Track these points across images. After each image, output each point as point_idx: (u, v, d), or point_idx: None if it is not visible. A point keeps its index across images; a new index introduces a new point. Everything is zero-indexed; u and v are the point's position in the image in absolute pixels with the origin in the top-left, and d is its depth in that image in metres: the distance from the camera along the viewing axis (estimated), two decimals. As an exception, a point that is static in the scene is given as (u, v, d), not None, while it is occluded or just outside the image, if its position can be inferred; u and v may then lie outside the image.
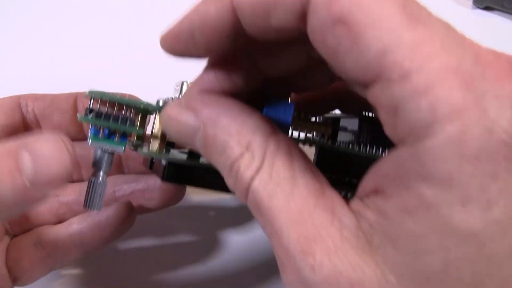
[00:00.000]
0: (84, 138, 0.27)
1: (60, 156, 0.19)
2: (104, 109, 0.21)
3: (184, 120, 0.18)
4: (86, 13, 0.45)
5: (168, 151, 0.23)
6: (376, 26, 0.14)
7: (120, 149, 0.22)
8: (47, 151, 0.19)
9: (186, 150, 0.24)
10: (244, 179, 0.17)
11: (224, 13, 0.16)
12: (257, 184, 0.16)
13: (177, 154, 0.24)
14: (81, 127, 0.28)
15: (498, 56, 0.14)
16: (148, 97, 0.27)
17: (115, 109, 0.22)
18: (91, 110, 0.22)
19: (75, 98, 0.28)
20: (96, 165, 0.23)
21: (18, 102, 0.27)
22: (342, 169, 0.23)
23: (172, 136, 0.19)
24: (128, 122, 0.22)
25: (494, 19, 0.45)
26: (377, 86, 0.14)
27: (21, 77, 0.40)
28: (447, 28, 0.14)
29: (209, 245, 0.30)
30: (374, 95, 0.14)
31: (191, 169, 0.22)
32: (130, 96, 0.28)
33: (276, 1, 0.15)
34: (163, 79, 0.37)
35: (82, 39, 0.42)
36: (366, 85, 0.15)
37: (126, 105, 0.22)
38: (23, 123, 0.27)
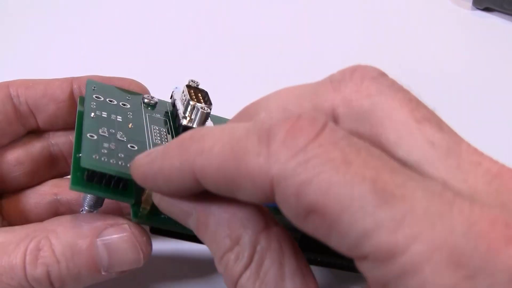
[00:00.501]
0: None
1: (134, 253, 0.20)
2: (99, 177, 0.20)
3: (177, 203, 0.18)
4: (84, 16, 0.45)
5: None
6: (349, 212, 0.13)
7: None
8: (122, 248, 0.20)
9: None
10: (232, 273, 0.17)
11: (187, 179, 0.16)
12: (244, 281, 0.16)
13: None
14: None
15: (494, 220, 0.13)
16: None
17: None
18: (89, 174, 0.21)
19: (70, 84, 0.26)
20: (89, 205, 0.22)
21: (8, 92, 0.25)
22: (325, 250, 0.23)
23: (164, 212, 0.19)
24: (120, 185, 0.20)
25: (493, 20, 0.45)
26: (364, 263, 0.14)
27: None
28: (430, 193, 0.13)
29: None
30: (362, 269, 0.14)
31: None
32: (129, 80, 0.27)
33: (238, 185, 0.15)
34: (161, 80, 0.37)
35: (82, 40, 0.42)
36: (355, 259, 0.14)
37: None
38: (16, 115, 0.25)
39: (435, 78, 0.40)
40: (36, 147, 0.25)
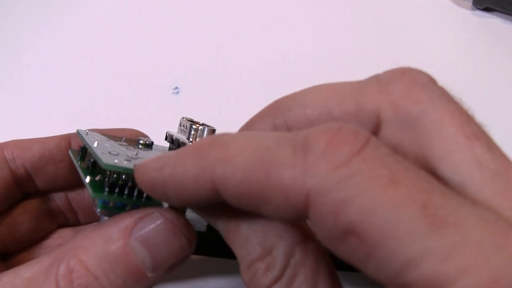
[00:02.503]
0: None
1: (175, 240, 0.18)
2: (117, 178, 0.19)
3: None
4: (84, 40, 0.45)
5: None
6: (395, 238, 0.12)
7: None
8: (160, 238, 0.17)
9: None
10: (259, 284, 0.15)
11: (203, 189, 0.15)
12: None
13: (195, 220, 0.22)
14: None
15: None
16: (155, 131, 0.26)
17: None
18: (93, 164, 0.20)
19: (68, 142, 0.25)
20: None
21: (3, 156, 0.23)
22: None
23: (195, 211, 0.18)
24: (145, 194, 0.18)
25: (494, 20, 0.44)
26: None
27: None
28: (484, 223, 0.12)
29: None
30: None
31: (211, 239, 0.20)
32: (130, 130, 0.26)
33: (266, 199, 0.13)
34: (166, 113, 0.37)
35: (81, 70, 0.41)
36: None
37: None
38: (13, 179, 0.23)
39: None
40: (33, 203, 0.24)
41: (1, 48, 0.42)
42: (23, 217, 0.24)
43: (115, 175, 0.18)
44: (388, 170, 0.13)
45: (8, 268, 0.22)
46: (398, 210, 0.12)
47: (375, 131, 0.16)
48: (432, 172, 0.15)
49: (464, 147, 0.15)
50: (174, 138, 0.23)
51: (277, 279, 0.15)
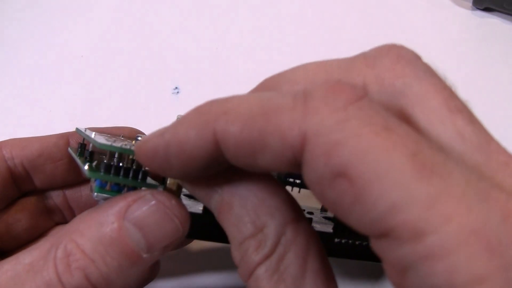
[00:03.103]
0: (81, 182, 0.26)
1: (168, 221, 0.18)
2: (113, 160, 0.19)
3: (204, 180, 0.17)
4: (84, 41, 0.45)
5: None
6: (383, 181, 0.12)
7: None
8: (153, 220, 0.18)
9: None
10: (250, 262, 0.16)
11: (205, 143, 0.15)
12: (262, 272, 0.15)
13: (191, 205, 0.22)
14: (79, 173, 0.25)
15: None
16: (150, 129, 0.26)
17: (124, 158, 0.19)
18: (91, 154, 0.20)
19: (67, 140, 0.25)
20: None
21: (1, 154, 0.23)
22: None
23: (187, 189, 0.18)
24: (140, 175, 0.19)
25: (494, 20, 0.44)
26: (384, 242, 0.13)
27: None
28: (468, 176, 0.13)
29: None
30: (380, 248, 0.13)
31: (207, 222, 0.20)
32: (128, 128, 0.26)
33: (264, 144, 0.14)
34: (166, 114, 0.37)
35: (81, 70, 0.41)
36: (371, 236, 0.13)
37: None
38: (11, 178, 0.23)
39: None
40: (31, 201, 0.24)
41: (1, 48, 0.42)
42: (21, 215, 0.24)
43: (112, 161, 0.19)
44: (383, 119, 0.13)
45: (6, 265, 0.22)
46: (389, 155, 0.12)
47: None
48: None
49: (447, 120, 0.15)
50: None
51: (267, 256, 0.15)
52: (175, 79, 0.40)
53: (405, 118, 0.16)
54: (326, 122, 0.13)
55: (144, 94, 0.39)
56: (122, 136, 0.24)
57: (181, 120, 0.16)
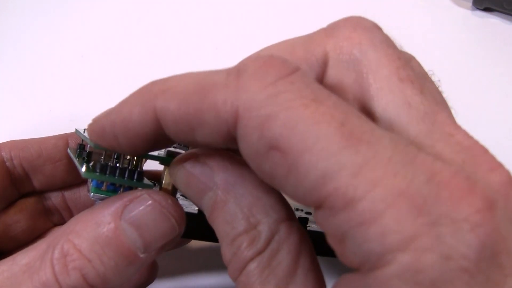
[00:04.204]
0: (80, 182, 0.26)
1: (164, 220, 0.18)
2: (110, 161, 0.19)
3: (197, 175, 0.17)
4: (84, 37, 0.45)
5: None
6: (313, 151, 0.12)
7: None
8: (149, 220, 0.18)
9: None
10: (242, 257, 0.16)
11: (147, 121, 0.15)
12: (253, 267, 0.15)
13: (187, 205, 0.22)
14: (78, 174, 0.24)
15: (456, 172, 0.13)
16: None
17: (120, 158, 0.19)
18: (88, 155, 0.20)
19: (66, 141, 0.25)
20: None
21: (0, 156, 0.23)
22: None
23: (180, 187, 0.18)
24: (136, 176, 0.19)
25: (494, 20, 0.45)
26: (321, 213, 0.13)
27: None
28: (395, 143, 0.13)
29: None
30: (319, 220, 0.13)
31: (203, 222, 0.20)
32: None
33: (200, 120, 0.14)
34: None
35: (81, 70, 0.41)
36: (312, 208, 0.13)
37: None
38: (10, 180, 0.23)
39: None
40: (29, 202, 0.24)
41: (1, 48, 0.42)
42: (19, 216, 0.24)
43: (109, 162, 0.19)
44: (312, 92, 0.13)
45: (4, 266, 0.22)
46: (317, 126, 0.13)
47: (323, 72, 0.17)
48: (367, 111, 0.16)
49: (396, 89, 0.15)
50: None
51: (260, 251, 0.16)
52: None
53: (358, 90, 0.16)
54: (257, 97, 0.13)
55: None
56: None
57: (124, 100, 0.16)
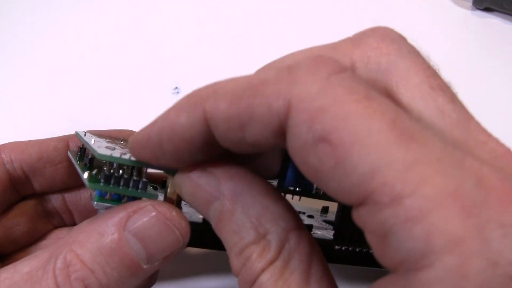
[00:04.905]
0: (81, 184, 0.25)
1: (168, 232, 0.18)
2: (113, 171, 0.19)
3: (203, 184, 0.17)
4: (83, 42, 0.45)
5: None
6: (363, 145, 0.12)
7: None
8: (153, 231, 0.18)
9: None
10: (253, 268, 0.15)
11: (195, 124, 0.15)
12: (266, 278, 0.15)
13: (192, 213, 0.22)
14: (78, 177, 0.24)
15: (503, 178, 0.13)
16: None
17: (125, 167, 0.19)
18: (91, 161, 0.20)
19: (66, 144, 0.24)
20: None
21: (0, 158, 0.23)
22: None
23: (186, 198, 0.18)
24: (140, 185, 0.19)
25: (494, 20, 0.45)
26: (364, 209, 0.13)
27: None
28: (444, 145, 0.13)
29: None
30: (361, 217, 0.13)
31: (207, 231, 0.20)
32: (128, 131, 0.26)
33: (251, 116, 0.14)
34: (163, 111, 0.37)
35: (81, 70, 0.41)
36: (351, 205, 0.13)
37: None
38: (10, 182, 0.23)
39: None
40: (29, 205, 0.24)
41: (1, 48, 0.42)
42: (19, 218, 0.24)
43: (112, 170, 0.19)
44: (364, 89, 0.13)
45: (4, 269, 0.22)
46: (370, 120, 0.13)
47: None
48: None
49: (428, 97, 0.15)
50: None
51: (272, 261, 0.15)
52: (175, 79, 0.40)
53: (388, 94, 0.16)
54: (310, 89, 0.13)
55: (144, 94, 0.39)
56: (122, 140, 0.24)
57: (172, 106, 0.16)
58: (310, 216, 0.26)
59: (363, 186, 0.12)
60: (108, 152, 0.18)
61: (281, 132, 0.14)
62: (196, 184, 0.17)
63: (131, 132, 0.26)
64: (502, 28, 0.44)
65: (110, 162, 0.18)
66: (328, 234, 0.24)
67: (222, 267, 0.28)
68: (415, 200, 0.12)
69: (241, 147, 0.15)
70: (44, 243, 0.24)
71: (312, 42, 0.44)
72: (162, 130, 0.16)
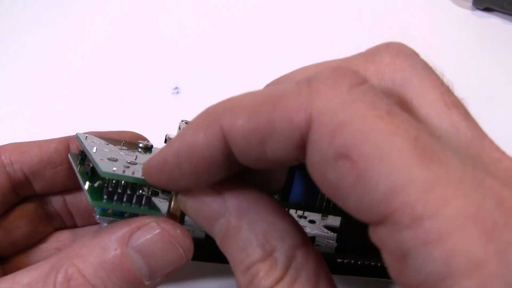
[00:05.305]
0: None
1: (172, 250, 0.18)
2: (116, 185, 0.18)
3: (208, 201, 0.17)
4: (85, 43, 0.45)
5: None
6: (385, 162, 0.12)
7: None
8: (157, 248, 0.18)
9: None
10: (260, 286, 0.15)
11: (214, 141, 0.15)
12: None
13: (194, 226, 0.22)
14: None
15: None
16: (154, 131, 0.26)
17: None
18: (93, 170, 0.20)
19: (67, 145, 0.24)
20: None
21: (0, 160, 0.23)
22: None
23: (190, 214, 0.18)
24: (144, 201, 0.18)
25: (494, 20, 0.44)
26: (383, 228, 0.12)
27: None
28: (464, 165, 0.13)
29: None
30: (379, 236, 0.13)
31: (209, 246, 0.20)
32: (129, 133, 0.26)
33: (272, 130, 0.14)
34: (166, 114, 0.37)
35: (81, 70, 0.41)
36: (369, 223, 0.13)
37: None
38: (10, 184, 0.23)
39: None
40: (30, 207, 0.24)
41: (1, 48, 0.42)
42: (20, 221, 0.23)
43: (113, 182, 0.18)
44: (386, 105, 0.13)
45: (5, 271, 0.22)
46: (392, 138, 0.12)
47: None
48: None
49: (443, 114, 0.15)
50: None
51: (279, 280, 0.15)
52: (175, 79, 0.40)
53: (404, 109, 0.16)
54: (331, 102, 0.13)
55: (144, 94, 0.39)
56: (123, 143, 0.24)
57: (187, 126, 0.16)
58: (312, 222, 0.26)
59: (384, 205, 0.12)
60: (111, 167, 0.18)
61: (302, 146, 0.14)
62: (200, 200, 0.17)
63: (132, 134, 0.26)
64: (502, 28, 0.44)
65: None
66: (330, 242, 0.24)
67: (220, 268, 0.28)
68: (436, 222, 0.12)
69: (260, 163, 0.15)
70: (44, 245, 0.24)
71: (312, 38, 0.44)
72: (179, 151, 0.16)
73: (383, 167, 0.12)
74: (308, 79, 0.14)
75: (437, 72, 0.17)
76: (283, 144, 0.14)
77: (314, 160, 0.13)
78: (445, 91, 0.16)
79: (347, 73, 0.14)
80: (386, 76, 0.16)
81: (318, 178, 0.14)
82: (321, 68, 0.17)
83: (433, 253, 0.12)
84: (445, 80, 0.17)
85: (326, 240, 0.24)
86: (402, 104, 0.16)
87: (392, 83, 0.16)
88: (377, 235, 0.13)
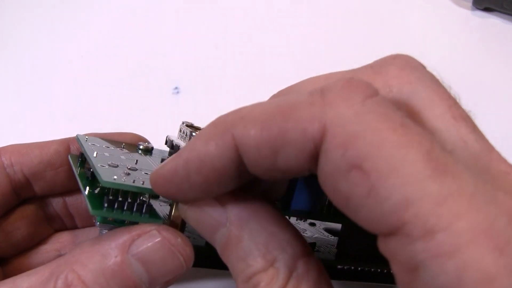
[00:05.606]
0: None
1: (172, 258, 0.18)
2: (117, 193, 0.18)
3: (209, 211, 0.17)
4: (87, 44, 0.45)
5: None
6: (398, 175, 0.12)
7: None
8: (157, 256, 0.18)
9: None
10: None
11: (225, 152, 0.15)
12: None
13: (195, 232, 0.22)
14: None
15: None
16: (155, 131, 0.26)
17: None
18: (93, 175, 0.20)
19: (67, 147, 0.24)
20: None
21: (0, 162, 0.23)
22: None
23: (191, 223, 0.18)
24: (144, 209, 0.18)
25: (493, 20, 0.45)
26: (394, 240, 0.13)
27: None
28: (476, 179, 0.13)
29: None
30: (389, 248, 0.13)
31: (209, 253, 0.20)
32: (130, 134, 0.26)
33: (285, 140, 0.14)
34: (166, 114, 0.37)
35: (81, 70, 0.41)
36: (379, 234, 0.13)
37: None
38: (10, 186, 0.23)
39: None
40: (30, 208, 0.24)
41: (1, 48, 0.42)
42: (20, 222, 0.23)
43: (114, 189, 0.18)
44: (400, 117, 0.13)
45: (4, 273, 0.22)
46: (405, 150, 0.12)
47: None
48: None
49: (451, 126, 0.15)
50: (174, 144, 0.23)
51: None
52: (175, 79, 0.40)
53: (415, 122, 0.16)
54: (345, 113, 0.13)
55: (144, 94, 0.39)
56: (124, 145, 0.24)
57: (197, 136, 0.16)
58: (312, 224, 0.26)
59: (396, 216, 0.12)
60: (111, 176, 0.18)
61: (315, 156, 0.14)
62: (201, 210, 0.17)
63: (133, 135, 0.25)
64: (502, 28, 0.44)
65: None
66: (330, 247, 0.24)
67: (225, 283, 0.28)
68: (449, 235, 0.12)
69: (272, 173, 0.15)
70: (45, 247, 0.24)
71: (311, 39, 0.44)
72: (189, 161, 0.15)
73: (396, 179, 0.12)
74: (321, 90, 0.14)
75: (445, 85, 0.17)
76: (295, 154, 0.14)
77: (327, 171, 0.14)
78: (453, 103, 0.16)
79: (360, 85, 0.14)
80: (394, 88, 0.16)
81: (329, 188, 0.14)
82: (331, 79, 0.17)
83: (445, 266, 0.12)
84: (452, 92, 0.17)
85: (327, 245, 0.24)
86: (411, 117, 0.16)
87: (400, 95, 0.16)
88: (387, 247, 0.13)
